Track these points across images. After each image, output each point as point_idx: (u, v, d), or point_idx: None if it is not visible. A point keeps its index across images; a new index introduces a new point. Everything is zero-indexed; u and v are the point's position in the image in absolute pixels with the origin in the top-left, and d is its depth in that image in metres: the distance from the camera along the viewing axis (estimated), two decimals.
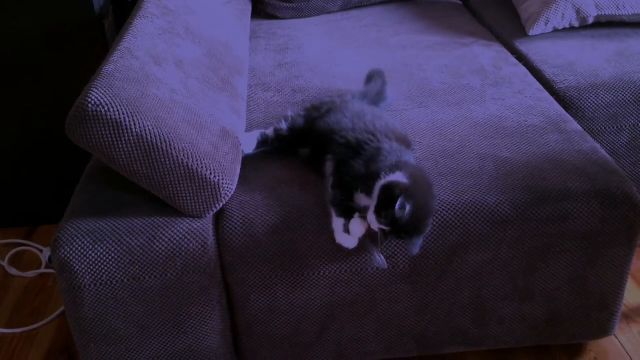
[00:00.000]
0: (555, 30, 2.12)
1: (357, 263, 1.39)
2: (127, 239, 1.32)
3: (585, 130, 1.66)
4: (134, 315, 1.39)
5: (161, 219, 1.36)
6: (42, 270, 2.03)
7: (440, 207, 1.37)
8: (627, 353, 1.62)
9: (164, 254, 1.33)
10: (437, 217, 1.37)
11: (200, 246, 1.34)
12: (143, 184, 1.34)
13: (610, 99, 1.82)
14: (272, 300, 1.43)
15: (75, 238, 1.32)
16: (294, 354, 1.53)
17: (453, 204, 1.38)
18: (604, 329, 1.56)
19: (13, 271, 2.02)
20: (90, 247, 1.31)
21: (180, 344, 1.45)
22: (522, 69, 1.93)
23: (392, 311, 1.48)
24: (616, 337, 1.67)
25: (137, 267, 1.33)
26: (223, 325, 1.47)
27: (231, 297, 1.45)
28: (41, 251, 2.09)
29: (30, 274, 2.01)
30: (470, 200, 1.39)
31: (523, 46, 2.09)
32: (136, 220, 1.35)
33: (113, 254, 1.31)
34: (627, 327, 1.70)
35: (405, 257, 1.39)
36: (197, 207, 1.35)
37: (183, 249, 1.33)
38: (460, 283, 1.45)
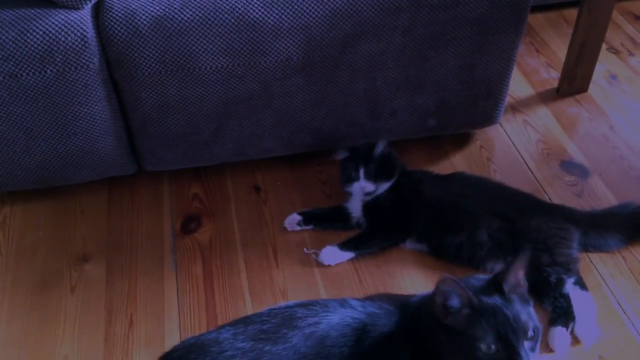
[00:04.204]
0: None
1: (250, 56, 1.36)
2: None
3: None
4: (16, 116, 1.32)
5: (32, 11, 1.25)
6: None
7: None
8: (510, 139, 1.72)
9: (39, 48, 1.24)
10: (329, 6, 1.33)
11: (79, 40, 1.26)
12: None
13: None
14: (164, 97, 1.39)
15: None
16: (192, 152, 1.53)
17: None
18: (489, 118, 1.64)
19: None
20: None
21: (71, 145, 1.41)
22: None
23: (288, 106, 1.48)
24: (501, 126, 1.75)
25: (11, 63, 1.24)
26: (116, 126, 1.44)
27: (121, 96, 1.40)
28: None
29: None
30: None
31: None
32: (4, 13, 1.24)
33: None
34: (512, 117, 1.79)
35: (298, 49, 1.37)
36: None
37: (61, 43, 1.25)
38: (354, 74, 1.45)
